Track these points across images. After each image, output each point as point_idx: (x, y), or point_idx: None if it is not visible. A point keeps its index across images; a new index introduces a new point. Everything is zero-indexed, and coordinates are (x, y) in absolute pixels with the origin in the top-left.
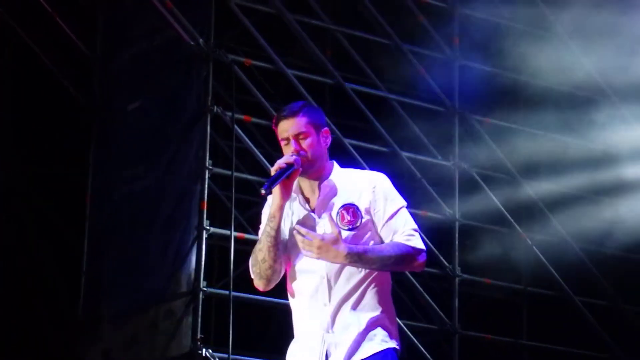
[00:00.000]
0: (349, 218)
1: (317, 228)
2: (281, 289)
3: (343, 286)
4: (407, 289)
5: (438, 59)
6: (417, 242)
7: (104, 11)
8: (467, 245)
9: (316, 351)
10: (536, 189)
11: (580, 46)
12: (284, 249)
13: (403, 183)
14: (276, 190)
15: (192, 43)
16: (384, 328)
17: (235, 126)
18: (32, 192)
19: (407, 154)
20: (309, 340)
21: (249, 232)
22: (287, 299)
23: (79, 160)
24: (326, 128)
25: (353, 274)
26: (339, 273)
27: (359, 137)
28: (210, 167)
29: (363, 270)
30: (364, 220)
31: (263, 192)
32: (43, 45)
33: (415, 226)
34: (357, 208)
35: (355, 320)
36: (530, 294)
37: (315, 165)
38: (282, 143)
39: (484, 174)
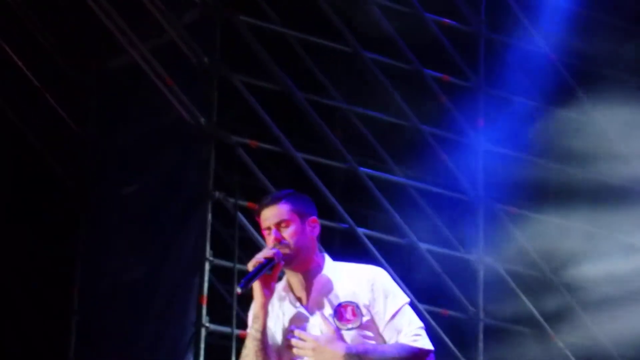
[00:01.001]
0: (348, 317)
1: (310, 328)
2: None
3: None
4: None
5: (461, 143)
6: (425, 343)
7: (97, 88)
8: (492, 347)
9: None
10: (569, 286)
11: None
12: (276, 354)
13: (421, 278)
14: (256, 287)
15: (193, 122)
16: None
17: (239, 213)
18: (11, 284)
19: (427, 246)
20: None
21: None
22: None
23: (65, 247)
24: (314, 217)
25: None
26: None
27: (374, 227)
28: (211, 259)
29: None
30: (364, 319)
31: (239, 290)
32: (30, 122)
33: (421, 324)
34: (357, 306)
35: None
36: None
37: (300, 256)
38: (265, 233)
39: (511, 270)
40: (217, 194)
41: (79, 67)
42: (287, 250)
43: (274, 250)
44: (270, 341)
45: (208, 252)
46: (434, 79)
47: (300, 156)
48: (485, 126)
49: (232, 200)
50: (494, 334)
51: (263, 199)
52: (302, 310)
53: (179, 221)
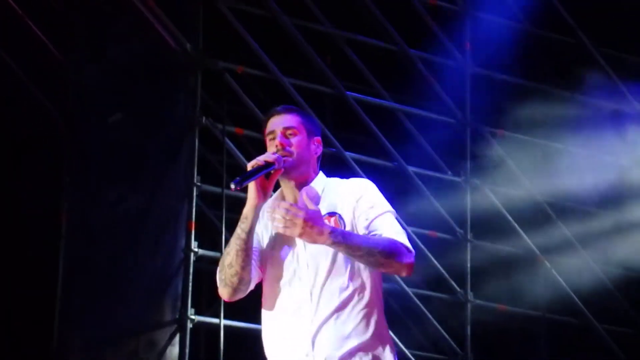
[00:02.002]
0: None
1: (300, 243)
2: None
3: (327, 304)
4: (415, 316)
5: (448, 66)
6: (406, 241)
7: (80, 15)
8: (480, 268)
9: None
10: (555, 207)
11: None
12: (261, 261)
13: (410, 200)
14: (252, 188)
15: (179, 49)
16: (376, 352)
17: (227, 139)
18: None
19: (414, 169)
20: None
21: None
22: None
23: (53, 177)
24: (319, 138)
25: (341, 289)
26: (322, 290)
27: (362, 151)
28: (199, 184)
29: (351, 285)
30: (347, 229)
31: (232, 186)
32: (12, 50)
33: (403, 231)
34: (340, 217)
35: (338, 343)
36: (549, 322)
37: (300, 169)
38: (267, 139)
39: (498, 191)
40: (204, 120)
41: None
42: (289, 158)
43: (275, 155)
44: (255, 245)
45: (196, 178)
46: (421, 3)
47: (288, 81)
48: (472, 49)
49: (219, 126)
50: (481, 255)
51: (272, 108)
52: None
53: (167, 148)
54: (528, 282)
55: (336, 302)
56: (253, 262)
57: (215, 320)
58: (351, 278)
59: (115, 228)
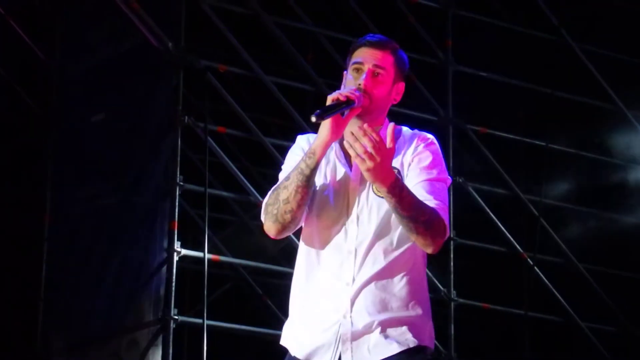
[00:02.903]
0: None
1: (352, 193)
2: (259, 317)
3: (371, 265)
4: None
5: (430, 65)
6: (447, 219)
7: (63, 15)
8: (464, 267)
9: (329, 340)
10: (538, 204)
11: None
12: (310, 204)
13: None
14: (326, 122)
15: (161, 47)
16: (413, 325)
17: (209, 138)
18: None
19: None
20: (320, 323)
21: (224, 254)
22: (266, 327)
23: (36, 176)
24: (403, 84)
25: (386, 252)
26: (369, 249)
27: None
28: (181, 183)
29: (399, 248)
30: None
31: (314, 118)
32: None
33: (447, 206)
34: (400, 172)
35: (380, 309)
36: (532, 320)
37: (374, 113)
38: (351, 67)
39: (481, 189)
40: (186, 119)
41: None
42: (367, 102)
43: (358, 94)
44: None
45: (178, 177)
46: (402, 1)
47: (270, 80)
48: (454, 47)
49: (202, 125)
50: (465, 253)
51: (366, 35)
52: (345, 168)
53: (150, 147)
54: (511, 280)
55: (381, 264)
56: None
57: (198, 321)
58: (399, 241)
59: (98, 228)
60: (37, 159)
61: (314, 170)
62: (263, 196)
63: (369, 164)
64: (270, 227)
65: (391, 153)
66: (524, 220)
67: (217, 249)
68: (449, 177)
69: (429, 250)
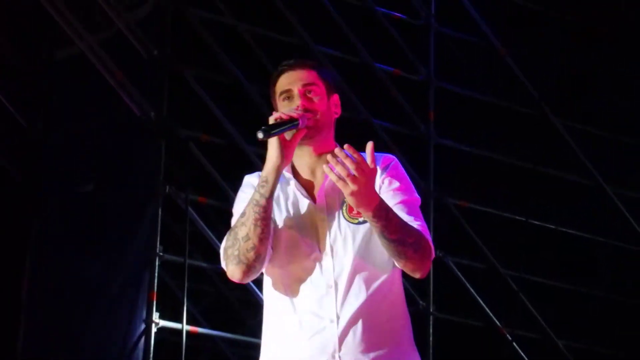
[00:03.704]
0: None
1: (316, 220)
2: None
3: (355, 298)
4: None
5: (412, 137)
6: (430, 238)
7: (46, 81)
8: (443, 339)
9: None
10: (517, 278)
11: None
12: (271, 239)
13: None
14: (274, 145)
15: (143, 117)
16: (407, 354)
17: (190, 208)
18: None
19: None
20: None
21: (202, 326)
22: None
23: (15, 244)
24: (337, 95)
25: (368, 282)
26: (350, 280)
27: None
28: (161, 254)
29: (381, 275)
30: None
31: (260, 134)
32: None
33: (424, 222)
34: None
35: (369, 344)
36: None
37: (322, 132)
38: (279, 99)
39: (460, 263)
40: (167, 188)
41: (27, 60)
42: (312, 122)
43: (300, 112)
44: None
45: (158, 247)
46: (384, 73)
47: (252, 150)
48: (436, 120)
49: (183, 194)
50: (444, 328)
51: (283, 62)
52: (308, 200)
53: (131, 217)
54: (490, 354)
55: (365, 295)
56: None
57: None
58: (380, 269)
59: (76, 297)
60: (18, 223)
61: (269, 199)
62: None
63: (353, 187)
64: (234, 271)
65: (374, 174)
66: (504, 295)
67: (196, 320)
68: (418, 196)
69: (417, 275)
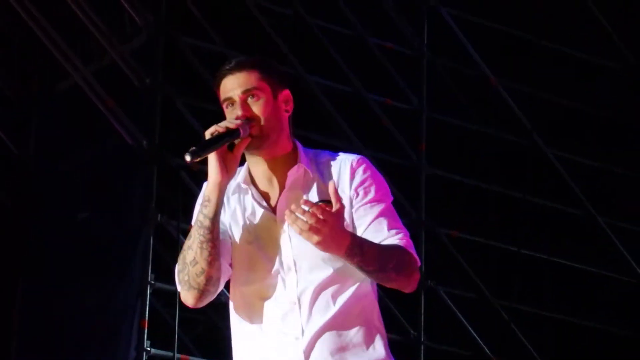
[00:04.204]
0: None
1: (282, 237)
2: None
3: (322, 313)
4: None
5: (403, 167)
6: (411, 247)
7: (39, 110)
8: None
9: None
10: (509, 308)
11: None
12: (228, 256)
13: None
14: (213, 161)
15: (135, 145)
16: None
17: (181, 236)
18: None
19: None
20: None
21: (194, 354)
22: None
23: (6, 270)
24: (287, 90)
25: (336, 295)
26: (315, 296)
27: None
28: (153, 282)
29: (349, 288)
30: (344, 224)
31: (188, 157)
32: None
33: (405, 230)
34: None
35: (342, 353)
36: None
37: (270, 139)
38: (225, 107)
39: (452, 293)
40: (159, 216)
41: (19, 89)
42: (256, 130)
43: (239, 122)
44: (221, 236)
45: (150, 275)
46: (376, 103)
47: None
48: (428, 149)
49: (174, 222)
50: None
51: (224, 64)
52: (267, 210)
53: (123, 245)
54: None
55: (333, 310)
56: (221, 256)
57: None
58: (350, 280)
59: (67, 325)
60: (9, 250)
61: (214, 219)
62: None
63: (317, 238)
64: (186, 297)
65: (340, 214)
66: (495, 325)
67: (188, 349)
68: (390, 196)
69: (407, 291)
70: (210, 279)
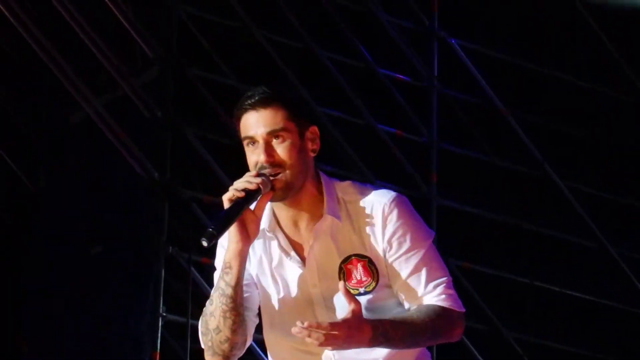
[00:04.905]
0: (359, 277)
1: (314, 294)
2: None
3: None
4: None
5: (413, 199)
6: (455, 302)
7: (50, 142)
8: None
9: None
10: (522, 341)
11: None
12: (255, 308)
13: None
14: (232, 228)
15: (147, 177)
16: None
17: (192, 268)
18: None
19: None
20: None
21: None
22: None
23: (13, 302)
24: (313, 127)
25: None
26: (352, 357)
27: None
28: (164, 314)
29: (393, 352)
30: (380, 281)
31: (205, 243)
32: None
33: (447, 276)
34: (371, 261)
35: None
36: None
37: (295, 187)
38: (245, 144)
39: (464, 326)
40: (170, 248)
41: (31, 122)
42: (280, 183)
43: (259, 179)
44: (246, 293)
45: (161, 307)
46: (387, 134)
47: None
48: (439, 181)
49: (186, 255)
50: None
51: (245, 97)
52: (296, 263)
53: (134, 278)
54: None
55: None
56: (246, 313)
57: None
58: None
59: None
60: (14, 285)
61: (236, 286)
62: None
63: (335, 347)
64: None
65: (356, 315)
66: (508, 358)
67: None
68: (430, 230)
69: (453, 340)
70: (235, 346)
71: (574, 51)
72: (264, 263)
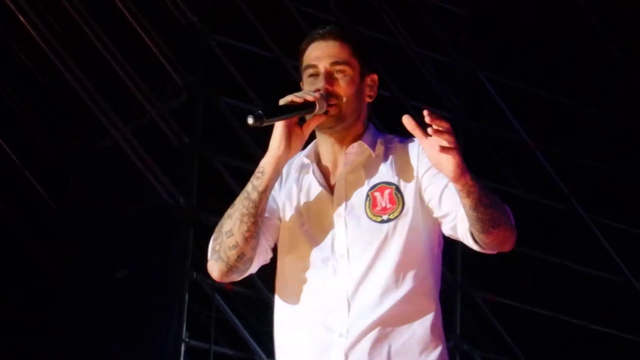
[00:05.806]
0: (384, 204)
1: (337, 222)
2: None
3: (371, 310)
4: None
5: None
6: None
7: (77, 168)
8: None
9: None
10: None
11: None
12: (274, 239)
13: None
14: (278, 131)
15: (173, 203)
16: None
17: (216, 294)
18: None
19: None
20: None
21: None
22: None
23: (41, 326)
24: (375, 75)
25: (388, 291)
26: (367, 290)
27: None
28: (187, 340)
29: (406, 284)
30: (405, 208)
31: (250, 120)
32: (8, 199)
33: None
34: (398, 189)
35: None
36: None
37: (346, 122)
38: (305, 74)
39: (488, 358)
40: (195, 274)
41: (59, 147)
42: (334, 110)
43: (317, 94)
44: (269, 214)
45: (184, 333)
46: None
47: None
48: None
49: (209, 281)
50: None
51: (316, 28)
52: (326, 190)
53: (159, 304)
54: None
55: (384, 308)
56: (262, 237)
57: None
58: (409, 273)
59: None
60: (43, 309)
61: (263, 193)
62: (268, 355)
63: (459, 156)
64: (212, 267)
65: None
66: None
67: None
68: None
69: (507, 248)
70: (242, 256)
71: (602, 86)
72: (293, 192)
